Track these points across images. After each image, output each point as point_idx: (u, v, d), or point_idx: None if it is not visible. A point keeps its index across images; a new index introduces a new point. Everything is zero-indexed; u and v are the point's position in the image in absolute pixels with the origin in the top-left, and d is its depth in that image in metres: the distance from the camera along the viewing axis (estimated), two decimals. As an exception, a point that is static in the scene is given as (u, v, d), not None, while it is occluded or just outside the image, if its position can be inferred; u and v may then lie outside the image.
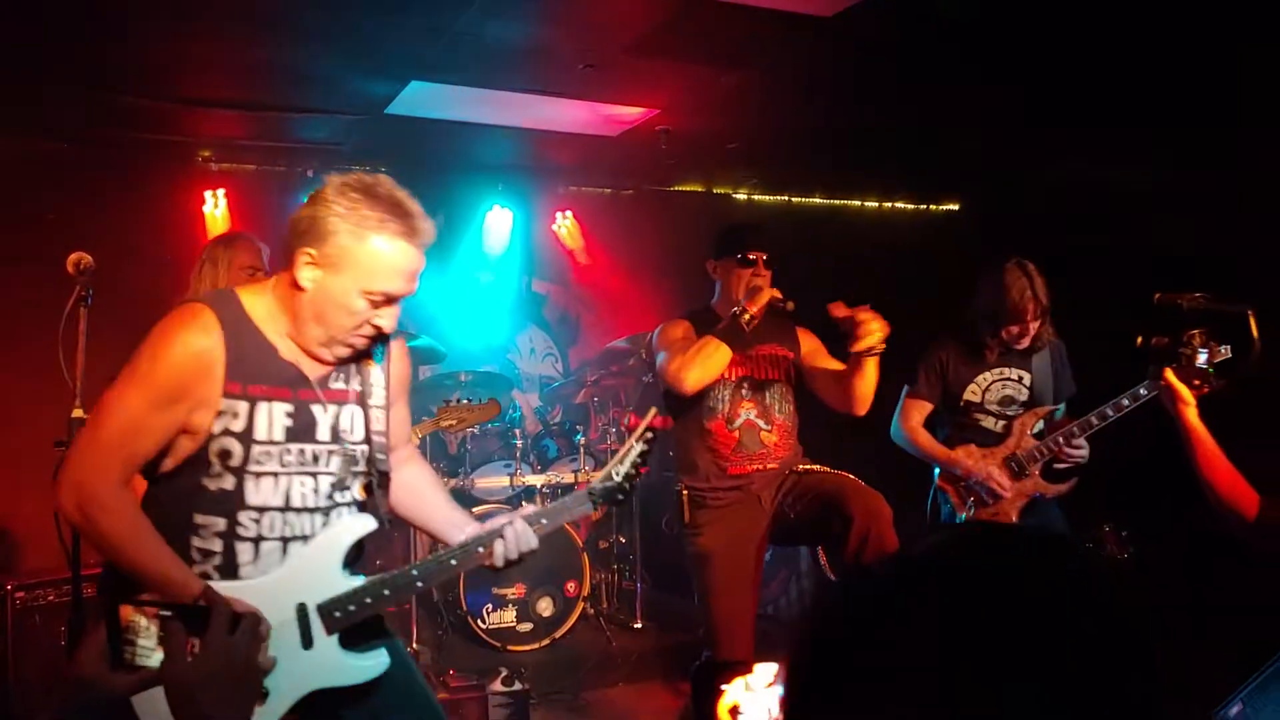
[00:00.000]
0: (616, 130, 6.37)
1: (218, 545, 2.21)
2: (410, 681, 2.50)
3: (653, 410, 2.61)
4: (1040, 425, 4.11)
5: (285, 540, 2.26)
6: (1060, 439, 3.94)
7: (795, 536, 4.16)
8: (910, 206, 8.70)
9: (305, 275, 2.17)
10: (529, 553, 2.43)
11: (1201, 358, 2.99)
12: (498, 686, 4.93)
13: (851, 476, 3.76)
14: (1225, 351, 3.39)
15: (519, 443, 6.08)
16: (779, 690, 1.21)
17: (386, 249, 2.17)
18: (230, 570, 2.21)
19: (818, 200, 8.48)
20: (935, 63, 5.19)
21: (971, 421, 4.18)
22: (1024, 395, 4.14)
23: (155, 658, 2.09)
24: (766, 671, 1.03)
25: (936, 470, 4.22)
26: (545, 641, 5.52)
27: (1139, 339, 3.14)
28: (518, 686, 4.94)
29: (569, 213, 7.82)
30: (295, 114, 5.97)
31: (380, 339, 2.33)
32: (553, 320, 8.03)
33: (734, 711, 1.07)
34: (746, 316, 3.66)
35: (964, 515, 4.06)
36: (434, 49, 4.88)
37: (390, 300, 2.23)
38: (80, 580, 3.06)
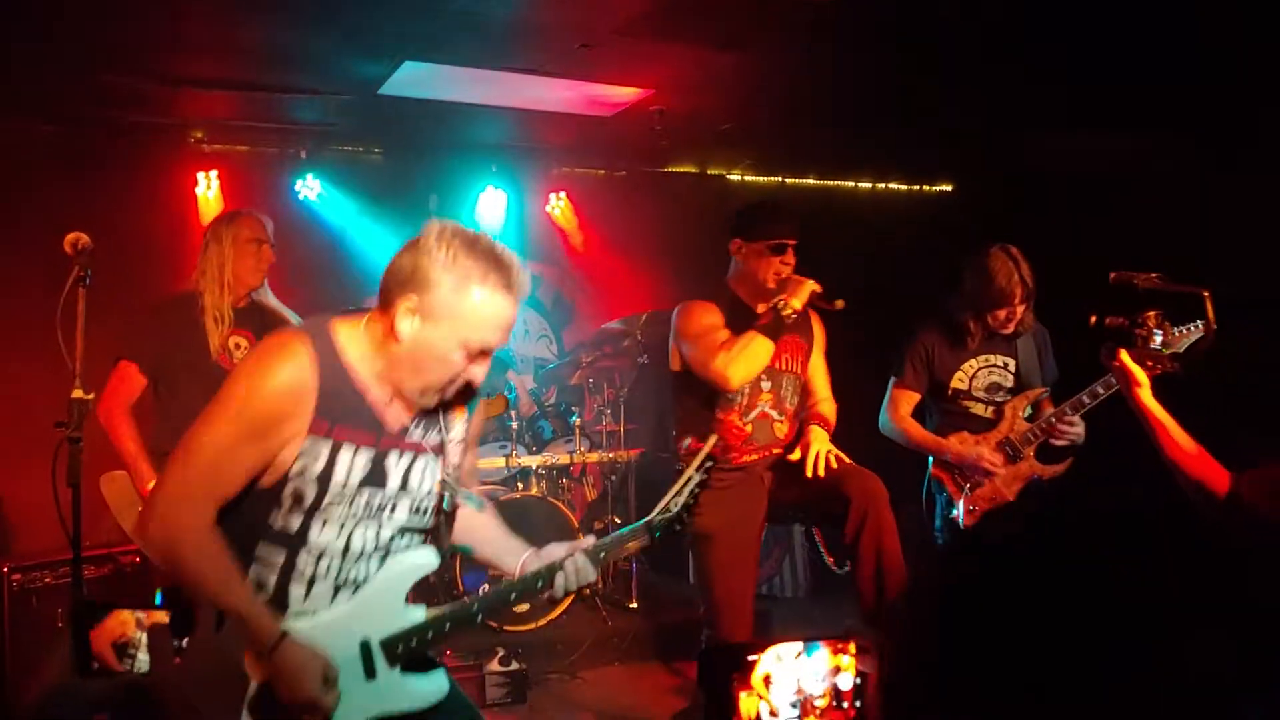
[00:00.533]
0: (611, 111, 6.35)
1: (272, 580, 2.21)
2: (460, 702, 2.51)
3: (713, 438, 2.61)
4: (1030, 409, 4.13)
5: (338, 585, 2.26)
6: (1054, 419, 3.96)
7: (792, 516, 4.18)
8: (903, 188, 8.70)
9: (404, 324, 2.15)
10: (588, 584, 2.44)
11: (1157, 339, 2.99)
12: (495, 666, 4.96)
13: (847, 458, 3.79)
14: (1182, 333, 3.41)
15: (514, 424, 6.08)
16: (814, 663, 1.21)
17: (489, 302, 2.15)
18: (279, 607, 2.21)
19: (811, 181, 8.47)
20: (929, 43, 5.18)
21: (961, 409, 4.19)
22: (1010, 381, 4.15)
23: (143, 665, 2.10)
24: (793, 646, 1.05)
25: (930, 459, 4.22)
26: (542, 621, 5.54)
27: (1093, 318, 3.13)
28: (514, 666, 4.98)
29: (563, 194, 7.81)
30: (288, 95, 5.93)
31: (471, 394, 2.33)
32: (546, 301, 8.03)
33: (767, 680, 1.09)
34: (789, 312, 3.65)
35: (960, 502, 4.06)
36: (427, 29, 4.86)
37: (485, 353, 2.22)
38: (80, 563, 3.06)
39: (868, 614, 3.67)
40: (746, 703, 1.09)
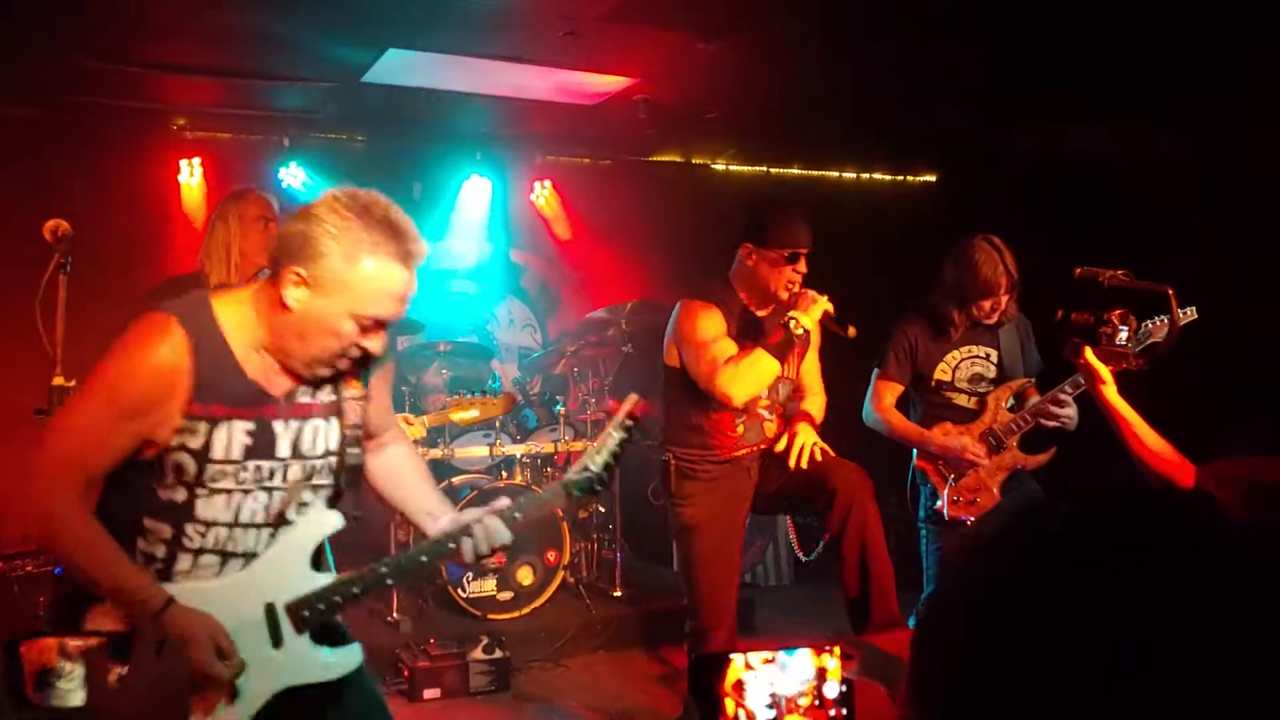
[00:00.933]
0: (595, 99, 6.34)
1: (161, 551, 2.18)
2: (369, 691, 2.48)
3: (632, 397, 2.47)
4: (1012, 399, 4.14)
5: (225, 555, 2.22)
6: (1047, 402, 3.94)
7: (777, 506, 4.20)
8: (888, 178, 8.71)
9: (292, 295, 2.09)
10: (501, 547, 2.37)
11: (1122, 336, 3.00)
12: (478, 654, 4.97)
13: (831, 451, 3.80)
14: (1150, 326, 3.43)
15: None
16: (785, 667, 1.21)
17: (380, 273, 2.09)
18: (165, 577, 2.18)
19: (796, 171, 8.47)
20: (915, 33, 5.19)
21: (944, 400, 4.19)
22: (992, 372, 4.16)
23: (77, 696, 2.08)
24: (764, 649, 1.06)
25: (914, 451, 4.22)
26: (525, 610, 5.55)
27: (1059, 314, 3.13)
28: (498, 654, 4.99)
29: (547, 182, 7.79)
30: (271, 81, 5.90)
31: (366, 362, 2.27)
32: (531, 290, 8.01)
33: (738, 686, 1.09)
34: (800, 331, 3.63)
35: (945, 493, 4.06)
36: (411, 15, 4.84)
37: (380, 324, 2.16)
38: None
39: (851, 605, 3.69)
40: (727, 703, 1.10)
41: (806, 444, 3.70)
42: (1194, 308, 3.84)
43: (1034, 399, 4.05)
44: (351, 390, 2.33)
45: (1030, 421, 4.02)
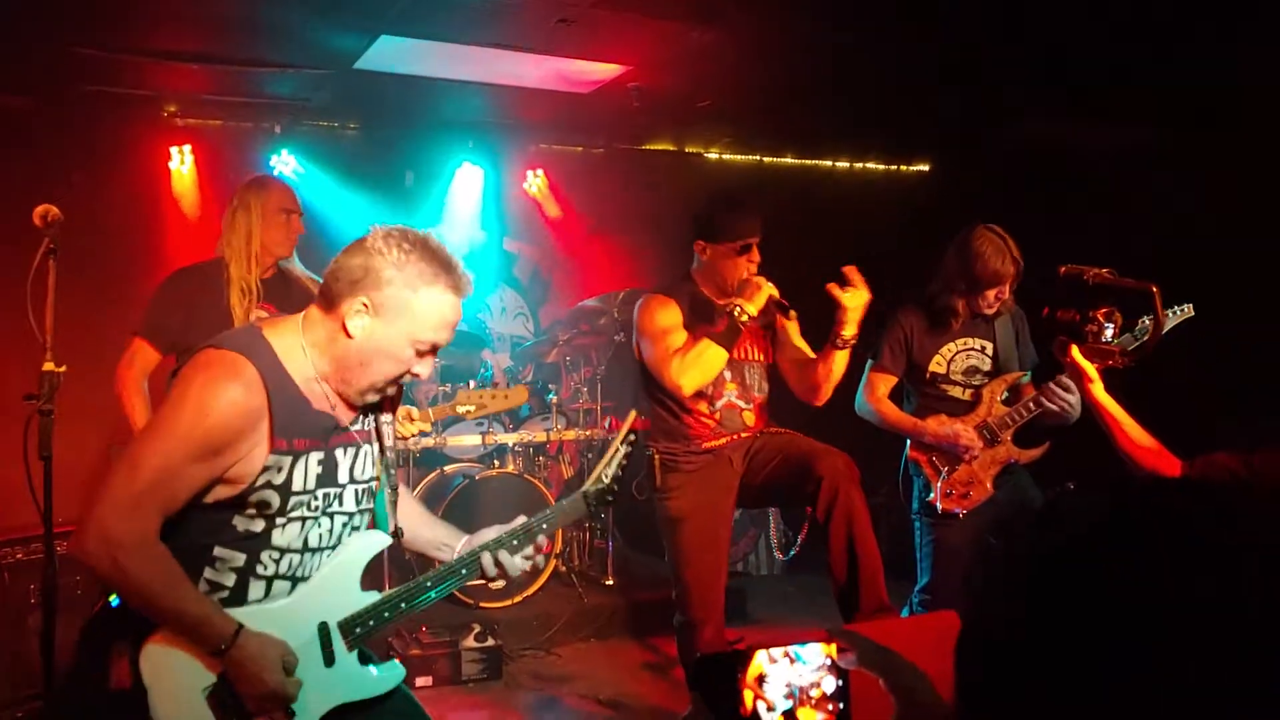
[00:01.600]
0: (588, 87, 6.33)
1: (230, 580, 2.21)
2: (408, 700, 2.54)
3: (632, 414, 2.65)
4: (1006, 393, 4.10)
5: (295, 580, 2.29)
6: (1052, 386, 3.88)
7: (763, 499, 4.19)
8: (881, 167, 8.71)
9: (356, 323, 2.18)
10: (534, 562, 2.54)
11: (1108, 333, 3.01)
12: (470, 642, 4.97)
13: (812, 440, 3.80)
14: (1147, 323, 3.43)
15: (490, 402, 6.06)
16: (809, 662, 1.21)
17: (439, 301, 2.21)
18: (237, 604, 2.21)
19: (789, 160, 8.46)
20: (908, 21, 5.18)
21: (939, 392, 4.15)
22: (987, 365, 4.12)
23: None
24: (784, 644, 1.07)
25: (908, 441, 4.19)
26: (518, 598, 5.57)
27: (1045, 311, 3.16)
28: (490, 642, 4.99)
29: (540, 170, 7.77)
30: (262, 69, 5.87)
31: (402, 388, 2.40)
32: (523, 279, 8.00)
33: (760, 679, 1.10)
34: (744, 318, 3.63)
35: (938, 485, 4.04)
36: (404, 2, 4.81)
37: (434, 350, 2.27)
38: (53, 538, 3.04)
39: (840, 592, 3.69)
40: (746, 695, 1.11)
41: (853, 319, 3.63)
42: (1190, 305, 3.85)
43: (1029, 394, 4.00)
44: (384, 416, 2.45)
45: (1025, 416, 3.97)
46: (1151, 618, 0.67)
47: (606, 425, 6.30)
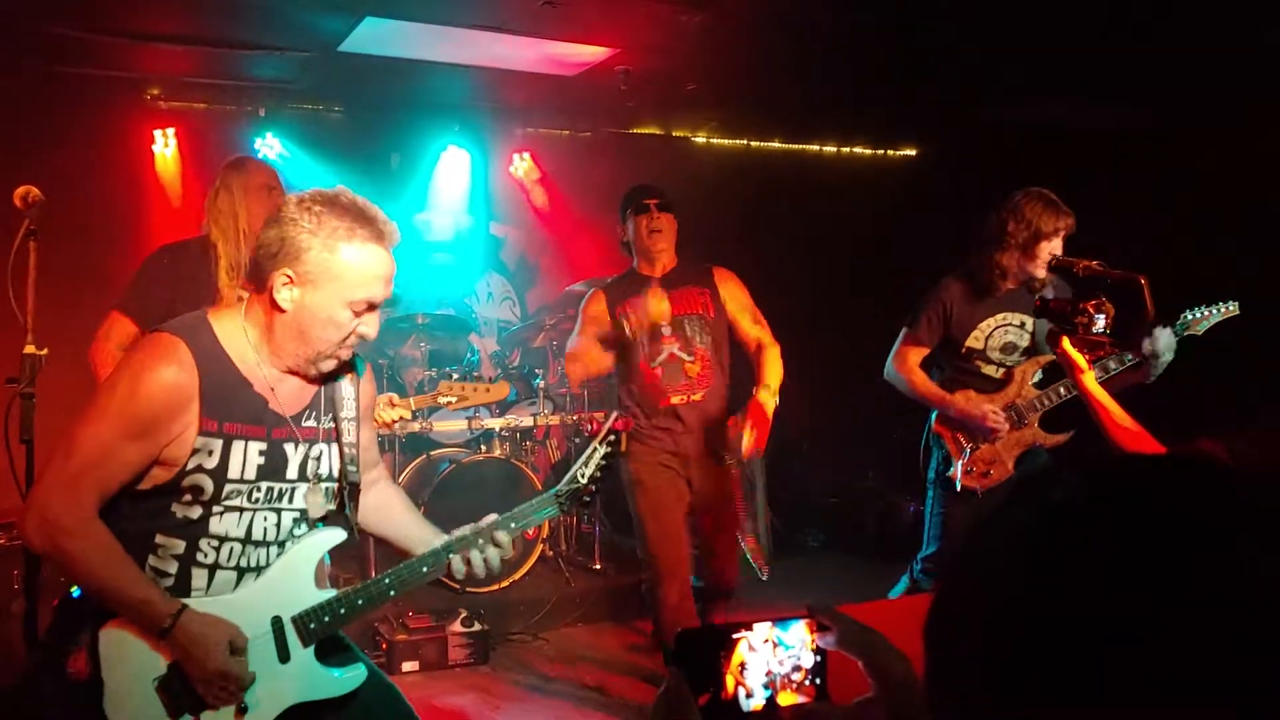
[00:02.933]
0: (575, 70, 6.30)
1: (173, 567, 2.20)
2: (389, 696, 2.51)
3: (614, 414, 2.64)
4: (1040, 374, 4.04)
5: (241, 570, 2.27)
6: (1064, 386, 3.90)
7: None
8: (868, 152, 8.71)
9: (284, 296, 2.16)
10: (503, 557, 2.48)
11: (1098, 324, 3.01)
12: (457, 627, 4.96)
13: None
14: (1189, 318, 3.43)
15: (477, 386, 6.04)
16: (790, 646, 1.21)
17: (361, 256, 2.16)
18: (182, 593, 2.20)
19: (776, 145, 8.45)
20: (895, 5, 5.17)
21: (973, 368, 4.08)
22: (1025, 341, 4.04)
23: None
24: (767, 628, 1.06)
25: (933, 415, 4.14)
26: (505, 583, 5.55)
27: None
28: (477, 627, 4.99)
29: (526, 154, 7.74)
30: (246, 51, 5.83)
31: (353, 359, 2.38)
32: (510, 263, 7.97)
33: (742, 667, 1.09)
34: (628, 333, 3.86)
35: (959, 463, 4.02)
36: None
37: (371, 307, 2.23)
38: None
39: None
40: (728, 678, 1.11)
41: (747, 439, 3.85)
42: (1236, 303, 3.93)
43: (1060, 382, 3.94)
44: (346, 412, 2.41)
45: (1055, 400, 3.94)
46: (1116, 594, 0.67)
47: (589, 427, 6.29)
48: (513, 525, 2.47)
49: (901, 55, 5.89)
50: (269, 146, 6.74)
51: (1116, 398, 2.98)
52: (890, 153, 8.76)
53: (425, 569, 2.41)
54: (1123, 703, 0.65)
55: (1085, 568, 0.68)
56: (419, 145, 7.37)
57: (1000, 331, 4.05)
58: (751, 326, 4.14)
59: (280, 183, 4.10)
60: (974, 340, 4.06)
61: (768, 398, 3.90)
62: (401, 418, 3.93)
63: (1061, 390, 3.93)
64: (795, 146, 8.50)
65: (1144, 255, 3.05)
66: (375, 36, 5.56)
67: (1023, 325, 4.05)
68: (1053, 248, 3.84)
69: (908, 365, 4.12)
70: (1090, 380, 2.95)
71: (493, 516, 2.48)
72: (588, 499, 2.56)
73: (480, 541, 2.43)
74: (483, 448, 6.03)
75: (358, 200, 2.20)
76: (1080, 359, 2.96)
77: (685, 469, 4.08)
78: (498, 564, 2.46)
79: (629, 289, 4.09)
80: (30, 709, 2.26)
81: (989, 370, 4.08)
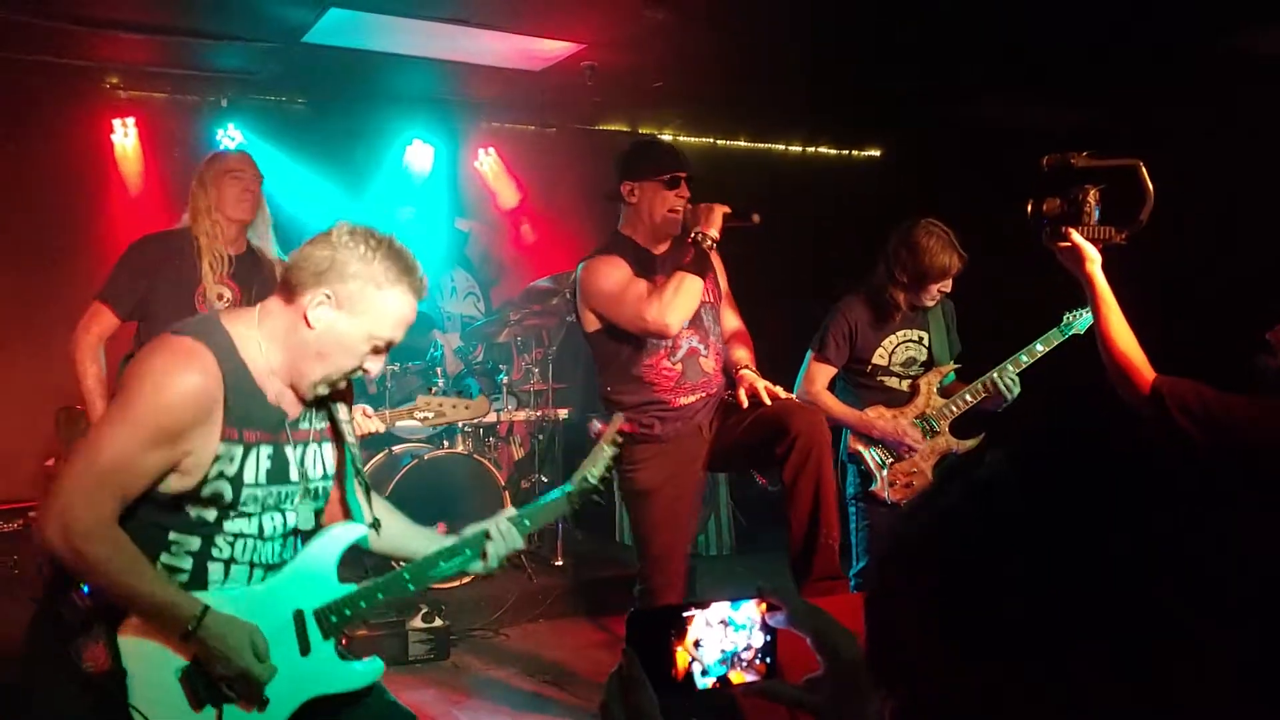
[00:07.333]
0: (541, 65, 6.28)
1: (188, 563, 2.21)
2: (387, 700, 2.54)
3: (618, 416, 2.69)
4: (941, 383, 4.18)
5: (253, 565, 2.30)
6: (995, 375, 4.01)
7: (731, 462, 4.08)
8: (833, 152, 8.75)
9: (318, 314, 2.20)
10: (515, 553, 2.55)
11: (1096, 214, 2.99)
12: (418, 623, 4.94)
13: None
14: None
15: (440, 382, 6.03)
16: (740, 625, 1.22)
17: (399, 302, 2.25)
18: (198, 587, 2.22)
19: (742, 143, 8.48)
20: (861, 6, 5.20)
21: (877, 384, 4.20)
22: (923, 355, 4.20)
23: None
24: (721, 608, 1.07)
25: (845, 434, 4.20)
26: (466, 579, 5.53)
27: (1029, 205, 3.02)
28: (438, 623, 4.97)
29: (491, 149, 7.72)
30: (209, 40, 5.76)
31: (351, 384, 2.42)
32: (475, 258, 7.94)
33: (696, 644, 1.10)
34: (708, 243, 3.55)
35: (882, 474, 4.10)
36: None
37: (388, 347, 2.30)
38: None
39: (795, 557, 3.61)
40: (680, 657, 1.12)
41: (762, 386, 3.60)
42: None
43: (963, 388, 4.12)
44: (342, 414, 2.46)
45: (963, 407, 4.09)
46: (1040, 561, 0.68)
47: (594, 432, 6.26)
48: (526, 523, 2.54)
49: (866, 54, 5.92)
50: (231, 137, 6.66)
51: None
52: (855, 153, 8.81)
53: (443, 563, 2.48)
54: (1044, 657, 0.66)
55: (1010, 536, 0.70)
56: (383, 138, 7.32)
57: (902, 347, 4.21)
58: (735, 315, 3.97)
59: (250, 167, 4.11)
60: (879, 357, 4.19)
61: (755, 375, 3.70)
62: (376, 430, 3.89)
63: (967, 397, 4.12)
64: (761, 145, 8.53)
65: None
66: (340, 28, 5.52)
67: (920, 340, 4.22)
68: (942, 286, 4.05)
69: (816, 388, 4.17)
70: (1098, 271, 2.84)
71: (510, 510, 2.56)
72: (598, 498, 2.64)
73: (499, 535, 2.49)
74: (445, 443, 6.01)
75: (406, 251, 2.29)
76: (1089, 247, 2.86)
77: (699, 474, 3.84)
78: (515, 548, 2.54)
79: (638, 267, 3.67)
80: (42, 704, 2.22)
81: (893, 383, 4.22)
